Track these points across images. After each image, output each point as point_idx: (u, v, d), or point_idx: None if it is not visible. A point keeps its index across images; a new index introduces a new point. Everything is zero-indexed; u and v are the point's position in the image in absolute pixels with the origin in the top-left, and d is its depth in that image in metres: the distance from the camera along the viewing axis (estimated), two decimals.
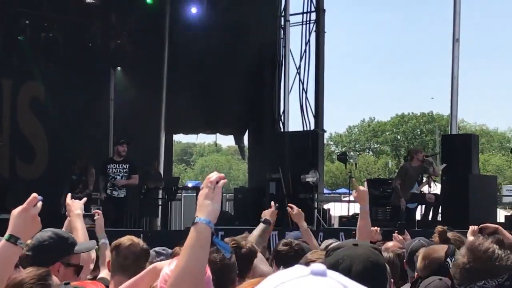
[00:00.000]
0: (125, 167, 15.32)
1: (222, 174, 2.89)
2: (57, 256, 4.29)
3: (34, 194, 3.07)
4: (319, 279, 1.47)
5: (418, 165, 16.60)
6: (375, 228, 7.41)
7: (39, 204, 3.07)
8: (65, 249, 4.38)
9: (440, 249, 4.75)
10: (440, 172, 17.09)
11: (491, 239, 2.94)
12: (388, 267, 3.08)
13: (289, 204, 6.92)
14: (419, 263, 4.64)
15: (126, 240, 5.16)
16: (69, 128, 17.95)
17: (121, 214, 15.48)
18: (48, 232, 4.42)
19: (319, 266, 1.49)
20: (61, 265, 4.31)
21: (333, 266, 2.99)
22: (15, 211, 3.09)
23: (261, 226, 6.53)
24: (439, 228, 6.31)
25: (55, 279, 3.62)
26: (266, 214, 6.65)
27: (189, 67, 19.77)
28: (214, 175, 2.86)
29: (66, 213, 5.49)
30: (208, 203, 2.80)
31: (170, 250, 6.22)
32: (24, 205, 3.04)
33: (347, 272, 2.89)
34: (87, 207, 7.67)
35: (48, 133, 18.39)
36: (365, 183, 6.00)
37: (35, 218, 3.08)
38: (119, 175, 15.26)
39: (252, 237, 6.27)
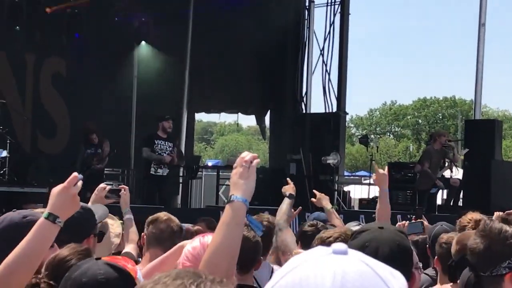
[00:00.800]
0: (170, 145, 14.78)
1: (256, 154, 2.89)
2: (90, 229, 4.37)
3: (75, 173, 3.06)
4: (341, 257, 1.51)
5: (440, 148, 16.48)
6: (404, 222, 7.40)
7: (79, 183, 3.06)
8: (93, 221, 4.45)
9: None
10: (462, 157, 16.98)
11: (496, 219, 2.98)
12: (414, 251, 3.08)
13: (314, 191, 6.94)
14: (453, 247, 4.62)
15: (163, 215, 5.24)
16: (91, 104, 17.99)
17: (164, 192, 15.08)
18: None
19: (340, 245, 1.53)
20: (94, 236, 4.39)
21: (359, 249, 2.97)
22: (55, 190, 3.08)
23: (286, 200, 6.59)
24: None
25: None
26: (288, 189, 6.70)
27: (213, 47, 19.72)
28: (248, 155, 2.87)
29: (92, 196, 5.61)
30: (243, 182, 2.83)
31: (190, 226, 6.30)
32: (65, 183, 3.03)
33: (374, 255, 2.86)
34: (99, 182, 7.65)
35: (70, 108, 18.45)
36: (386, 167, 6.00)
37: (75, 197, 3.08)
38: (165, 152, 14.68)
39: (281, 212, 6.42)
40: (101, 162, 15.49)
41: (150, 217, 5.27)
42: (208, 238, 3.29)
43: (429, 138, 18.44)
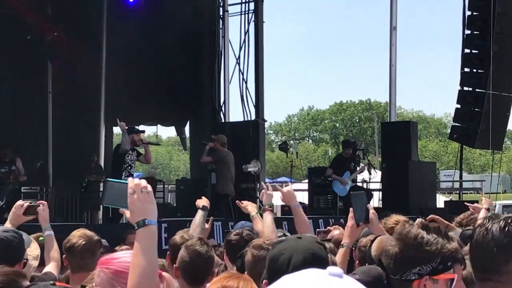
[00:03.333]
0: (135, 154, 14.52)
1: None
2: (23, 253, 4.32)
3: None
4: (338, 280, 1.58)
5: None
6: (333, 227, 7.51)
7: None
8: (24, 246, 4.40)
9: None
10: (365, 165, 17.53)
11: (417, 224, 3.03)
12: (331, 259, 3.13)
13: (237, 202, 6.95)
14: (372, 250, 4.68)
15: (77, 239, 5.14)
16: (5, 122, 17.64)
17: None
18: (9, 231, 4.43)
19: (336, 269, 1.59)
20: (23, 261, 4.37)
21: (275, 258, 3.02)
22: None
23: (200, 213, 6.73)
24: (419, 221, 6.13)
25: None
26: (202, 201, 6.85)
27: (128, 58, 19.59)
28: (143, 181, 2.95)
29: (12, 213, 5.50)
30: (152, 206, 2.93)
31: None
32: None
33: (287, 262, 2.92)
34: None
35: None
36: (290, 184, 6.09)
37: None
38: (134, 162, 14.48)
39: (194, 225, 6.55)
40: (20, 177, 15.34)
41: (66, 244, 5.19)
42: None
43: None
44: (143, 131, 15.26)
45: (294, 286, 1.57)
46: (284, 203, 6.61)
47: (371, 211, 4.89)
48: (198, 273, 4.94)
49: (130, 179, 2.98)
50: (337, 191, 17.05)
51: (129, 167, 14.37)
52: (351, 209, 4.79)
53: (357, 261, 5.14)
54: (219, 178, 16.06)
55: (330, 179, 17.16)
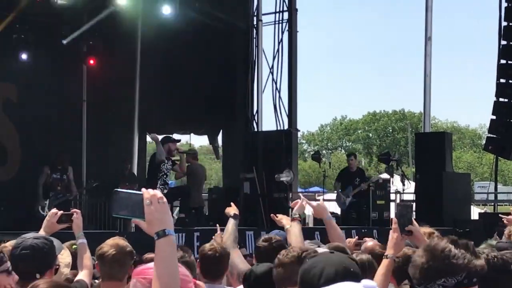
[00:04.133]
0: (170, 163, 14.77)
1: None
2: (54, 260, 4.36)
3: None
4: None
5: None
6: (352, 239, 7.47)
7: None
8: (55, 253, 4.45)
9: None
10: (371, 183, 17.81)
11: (446, 239, 3.05)
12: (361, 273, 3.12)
13: (272, 215, 6.94)
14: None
15: (108, 248, 5.18)
16: (42, 130, 17.81)
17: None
18: (40, 238, 4.46)
19: (370, 282, 1.67)
20: (54, 267, 4.44)
21: (307, 270, 3.02)
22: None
23: (231, 221, 6.68)
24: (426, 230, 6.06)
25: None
26: (231, 210, 6.82)
27: (163, 68, 19.72)
28: (157, 192, 2.97)
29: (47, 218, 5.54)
30: (168, 216, 2.96)
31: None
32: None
33: (319, 275, 2.92)
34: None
35: (21, 134, 18.24)
36: (321, 198, 6.06)
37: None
38: (169, 171, 14.76)
39: (227, 233, 6.54)
40: (68, 191, 15.67)
41: (98, 252, 5.25)
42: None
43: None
44: (179, 140, 15.41)
45: None
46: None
47: (415, 223, 4.80)
48: (214, 269, 5.29)
49: (143, 189, 2.98)
50: (338, 204, 17.54)
51: (164, 176, 14.52)
52: (394, 219, 4.70)
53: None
54: (192, 191, 16.05)
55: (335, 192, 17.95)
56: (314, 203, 5.69)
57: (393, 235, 4.67)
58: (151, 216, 2.91)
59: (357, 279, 2.96)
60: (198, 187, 16.93)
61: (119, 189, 3.07)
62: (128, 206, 2.98)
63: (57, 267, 4.59)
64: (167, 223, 2.92)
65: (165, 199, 2.96)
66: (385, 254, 4.71)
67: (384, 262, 4.69)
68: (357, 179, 17.59)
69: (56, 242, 4.84)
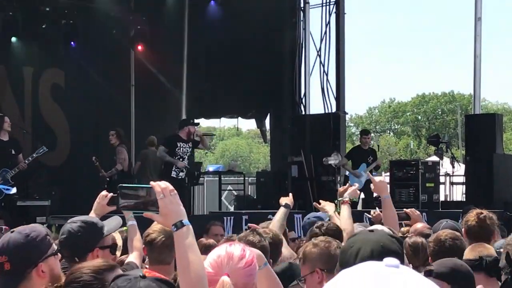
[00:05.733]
0: (190, 146, 14.68)
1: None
2: (93, 243, 4.38)
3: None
4: (395, 270, 1.61)
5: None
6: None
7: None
8: (97, 234, 4.46)
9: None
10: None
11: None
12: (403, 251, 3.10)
13: (315, 204, 6.91)
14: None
15: (157, 234, 5.22)
16: (90, 115, 17.99)
17: (183, 197, 15.14)
18: (77, 222, 4.50)
19: (393, 260, 1.63)
20: (99, 249, 4.43)
21: (345, 250, 3.01)
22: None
23: (282, 209, 6.64)
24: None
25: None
26: (285, 199, 6.75)
27: (209, 52, 19.74)
28: (166, 184, 3.00)
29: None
30: (181, 207, 3.00)
31: None
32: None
33: (355, 255, 2.89)
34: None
35: (70, 119, 18.44)
36: (383, 174, 6.00)
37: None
38: (186, 155, 14.62)
39: (275, 221, 6.50)
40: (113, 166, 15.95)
41: (146, 238, 5.31)
42: (234, 247, 3.26)
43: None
44: (198, 124, 15.30)
45: (349, 278, 1.58)
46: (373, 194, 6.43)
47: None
48: None
49: (152, 183, 3.00)
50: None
51: (181, 159, 14.46)
52: None
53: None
54: (143, 177, 15.96)
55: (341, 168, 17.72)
56: (377, 178, 5.63)
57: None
58: (166, 209, 2.96)
59: (397, 258, 2.92)
60: (152, 172, 16.61)
61: (124, 184, 3.11)
62: (138, 201, 3.00)
63: (111, 247, 4.61)
64: (182, 214, 2.99)
65: (175, 191, 3.02)
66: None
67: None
68: (370, 157, 17.44)
69: (115, 221, 4.85)
